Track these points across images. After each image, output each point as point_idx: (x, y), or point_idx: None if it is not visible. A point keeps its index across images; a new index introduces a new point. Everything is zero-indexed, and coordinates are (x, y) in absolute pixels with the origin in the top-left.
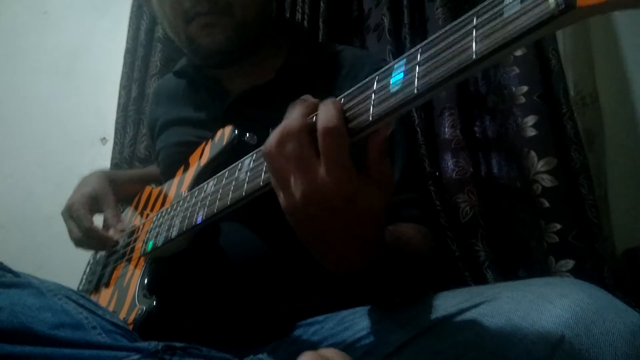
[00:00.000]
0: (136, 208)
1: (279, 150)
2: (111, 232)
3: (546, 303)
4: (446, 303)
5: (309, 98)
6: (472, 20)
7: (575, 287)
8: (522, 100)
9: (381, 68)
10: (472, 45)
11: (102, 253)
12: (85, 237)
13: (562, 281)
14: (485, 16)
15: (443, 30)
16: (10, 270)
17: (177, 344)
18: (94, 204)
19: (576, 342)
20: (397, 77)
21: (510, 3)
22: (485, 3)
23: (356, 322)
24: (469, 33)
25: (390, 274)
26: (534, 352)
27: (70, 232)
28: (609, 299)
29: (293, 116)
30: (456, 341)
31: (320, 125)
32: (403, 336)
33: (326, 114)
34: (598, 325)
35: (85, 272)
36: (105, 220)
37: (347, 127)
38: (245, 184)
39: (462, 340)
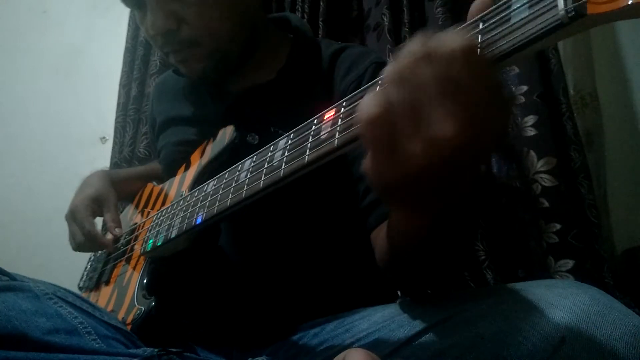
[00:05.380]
0: (137, 205)
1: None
2: (108, 237)
3: (547, 305)
4: (446, 304)
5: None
6: (478, 25)
7: (576, 289)
8: (522, 99)
9: (382, 63)
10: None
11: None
12: (87, 241)
13: (563, 283)
14: (492, 21)
15: None
16: (6, 273)
17: (173, 349)
18: (96, 206)
19: (577, 344)
20: None
21: (518, 8)
22: (492, 7)
23: (356, 323)
24: (474, 38)
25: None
26: (534, 354)
27: (73, 235)
28: (610, 301)
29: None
30: (456, 342)
31: (463, 46)
32: (403, 337)
33: (465, 43)
34: (599, 328)
35: (86, 268)
36: (104, 224)
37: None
38: (245, 186)
39: (462, 341)
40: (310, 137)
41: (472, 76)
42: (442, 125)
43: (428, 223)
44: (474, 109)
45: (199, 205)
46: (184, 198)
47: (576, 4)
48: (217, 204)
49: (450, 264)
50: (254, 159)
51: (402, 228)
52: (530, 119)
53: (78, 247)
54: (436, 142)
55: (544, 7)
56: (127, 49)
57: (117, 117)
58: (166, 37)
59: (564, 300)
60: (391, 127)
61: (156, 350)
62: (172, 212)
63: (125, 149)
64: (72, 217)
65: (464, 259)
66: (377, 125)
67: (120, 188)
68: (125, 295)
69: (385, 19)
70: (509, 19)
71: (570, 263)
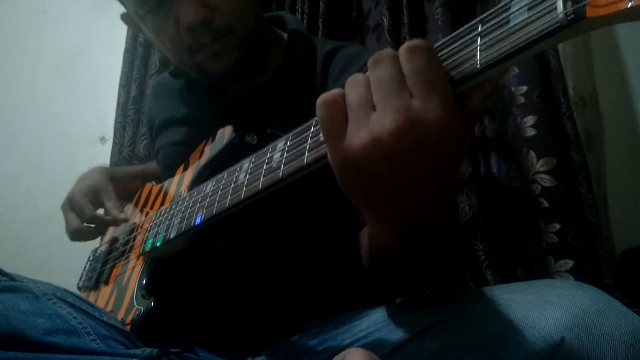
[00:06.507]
0: (136, 205)
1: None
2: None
3: (546, 305)
4: (446, 304)
5: None
6: (477, 27)
7: (575, 289)
8: (522, 100)
9: None
10: (476, 54)
11: (102, 249)
12: (85, 227)
13: (563, 283)
14: (491, 23)
15: (448, 37)
16: (5, 274)
17: (172, 349)
18: (95, 196)
19: (576, 344)
20: None
21: (516, 11)
22: (491, 10)
23: (356, 323)
24: (474, 40)
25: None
26: (534, 354)
27: (68, 224)
28: (609, 301)
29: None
30: (456, 342)
31: (407, 45)
32: (402, 337)
33: (411, 41)
34: (599, 328)
35: (85, 268)
36: (107, 212)
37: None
38: (244, 187)
39: (461, 342)
40: (309, 139)
41: (416, 73)
42: (383, 118)
43: (399, 232)
44: (414, 109)
45: (197, 205)
46: (183, 199)
47: (575, 6)
48: (215, 205)
49: (428, 270)
50: (252, 160)
51: (374, 232)
52: (530, 119)
53: (73, 235)
54: (375, 133)
55: (543, 9)
56: (126, 49)
57: (116, 117)
58: (201, 29)
59: (563, 300)
60: (342, 113)
61: (155, 350)
62: (171, 212)
63: (124, 149)
64: (69, 204)
65: (444, 266)
66: (330, 108)
67: (119, 185)
68: (125, 296)
69: (384, 20)
70: (508, 22)
71: (569, 263)
